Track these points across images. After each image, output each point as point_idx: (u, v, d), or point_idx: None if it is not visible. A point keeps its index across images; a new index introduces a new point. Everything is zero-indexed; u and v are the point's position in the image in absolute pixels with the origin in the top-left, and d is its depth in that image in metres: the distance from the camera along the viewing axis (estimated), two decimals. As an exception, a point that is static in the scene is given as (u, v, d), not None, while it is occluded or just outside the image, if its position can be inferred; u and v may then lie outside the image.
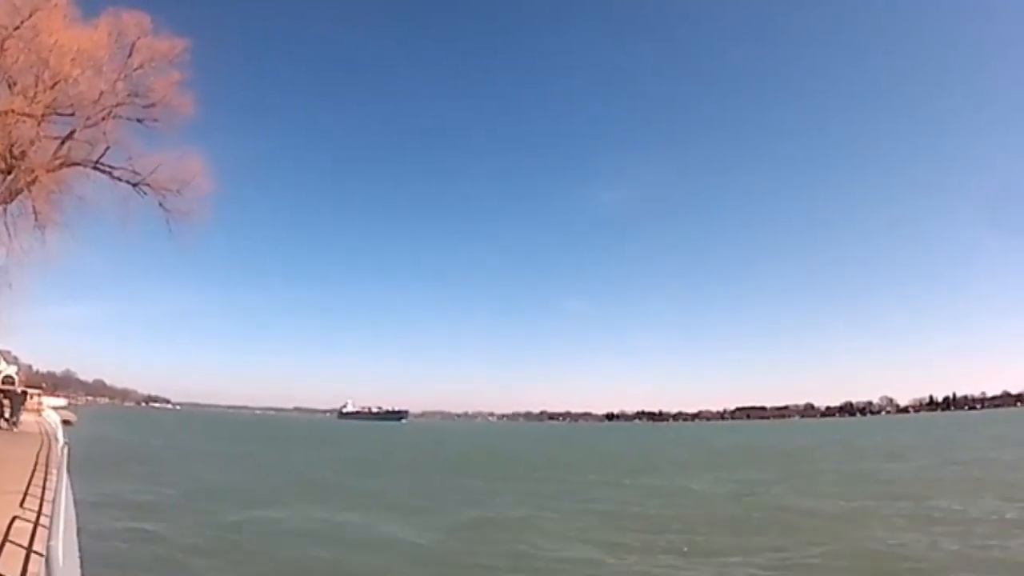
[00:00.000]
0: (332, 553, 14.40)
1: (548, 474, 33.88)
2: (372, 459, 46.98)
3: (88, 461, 24.65)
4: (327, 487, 27.21)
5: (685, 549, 14.49)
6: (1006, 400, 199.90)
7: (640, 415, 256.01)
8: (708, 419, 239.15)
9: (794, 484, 26.78)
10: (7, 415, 26.16)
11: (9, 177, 19.42)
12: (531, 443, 79.22)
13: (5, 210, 19.99)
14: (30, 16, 17.82)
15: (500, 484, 28.37)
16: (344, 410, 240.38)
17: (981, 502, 19.46)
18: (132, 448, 44.89)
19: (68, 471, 8.89)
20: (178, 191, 21.87)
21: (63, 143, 20.45)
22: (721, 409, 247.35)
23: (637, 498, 23.21)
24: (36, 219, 20.35)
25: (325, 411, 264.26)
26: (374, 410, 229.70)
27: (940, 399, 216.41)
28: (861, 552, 13.81)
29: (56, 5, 18.40)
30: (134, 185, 21.53)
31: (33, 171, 19.33)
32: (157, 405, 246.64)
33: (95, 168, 21.17)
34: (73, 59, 18.71)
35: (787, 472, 32.93)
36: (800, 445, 59.89)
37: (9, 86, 18.67)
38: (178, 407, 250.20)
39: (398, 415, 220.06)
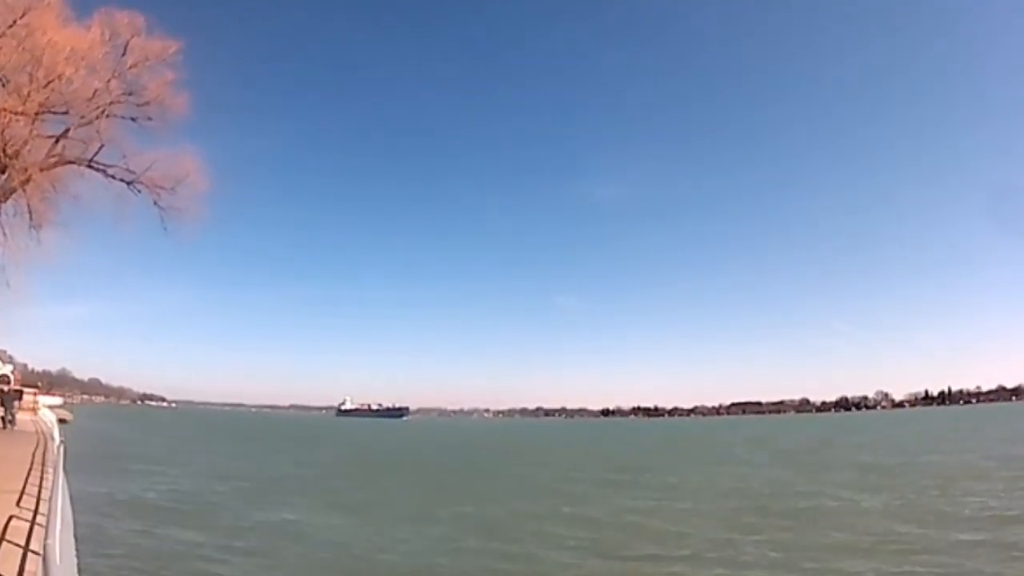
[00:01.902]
0: (334, 554, 14.48)
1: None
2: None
3: (85, 460, 24.72)
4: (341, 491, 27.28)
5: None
6: (1001, 394, 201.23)
7: (636, 411, 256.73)
8: (704, 414, 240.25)
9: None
10: (2, 414, 26.10)
11: (3, 176, 19.40)
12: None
13: (0, 209, 19.97)
14: (23, 15, 17.80)
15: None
16: (343, 407, 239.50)
17: None
18: (128, 446, 44.84)
19: (64, 470, 8.94)
20: (172, 189, 21.89)
21: (57, 142, 20.44)
22: (717, 404, 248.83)
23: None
24: (31, 218, 20.40)
25: (321, 408, 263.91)
26: (374, 407, 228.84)
27: (935, 394, 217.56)
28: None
29: (49, 4, 18.39)
30: (128, 183, 21.50)
31: (27, 170, 19.29)
32: (153, 403, 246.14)
33: (89, 167, 21.14)
34: (67, 58, 18.68)
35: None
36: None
37: (2, 84, 18.62)
38: (174, 405, 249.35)
39: (399, 412, 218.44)
